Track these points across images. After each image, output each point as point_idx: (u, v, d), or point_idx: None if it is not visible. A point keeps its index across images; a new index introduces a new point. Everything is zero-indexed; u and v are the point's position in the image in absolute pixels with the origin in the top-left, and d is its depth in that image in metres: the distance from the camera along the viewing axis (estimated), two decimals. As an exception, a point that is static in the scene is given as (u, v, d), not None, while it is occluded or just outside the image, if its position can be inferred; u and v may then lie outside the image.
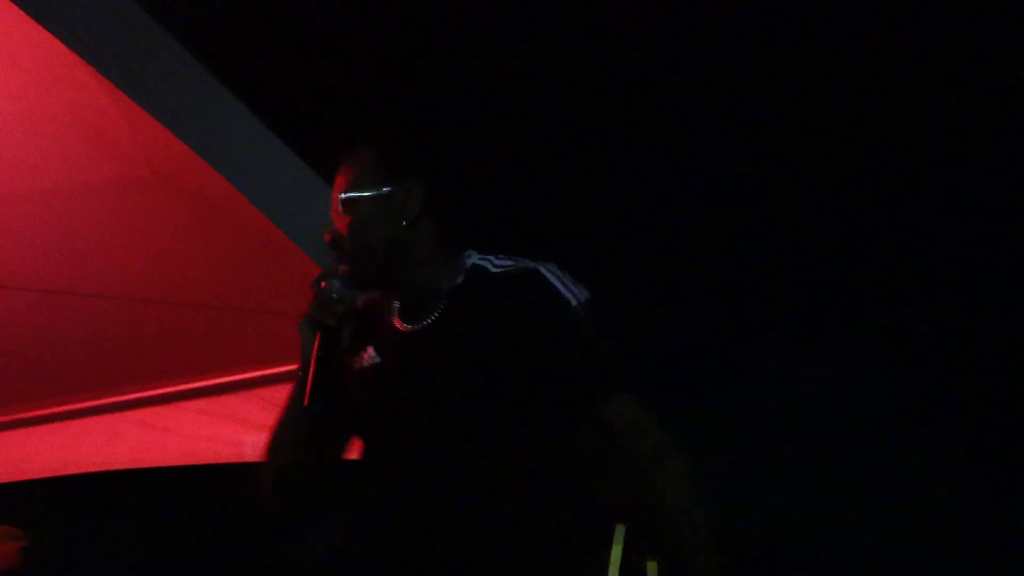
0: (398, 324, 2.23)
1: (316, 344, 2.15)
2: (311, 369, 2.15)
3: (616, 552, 3.83)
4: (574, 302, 2.11)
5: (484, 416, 2.09)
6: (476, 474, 2.09)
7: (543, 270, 2.14)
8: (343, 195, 2.22)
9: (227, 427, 4.38)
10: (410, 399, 2.16)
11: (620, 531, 3.97)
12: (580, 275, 2.16)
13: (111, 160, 3.30)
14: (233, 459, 4.43)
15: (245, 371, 4.29)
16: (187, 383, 4.43)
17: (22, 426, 4.80)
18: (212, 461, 4.49)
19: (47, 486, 4.92)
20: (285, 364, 4.20)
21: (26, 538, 4.16)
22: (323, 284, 2.18)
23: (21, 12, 2.57)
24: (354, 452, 2.32)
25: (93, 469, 4.80)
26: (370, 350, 2.26)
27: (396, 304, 2.25)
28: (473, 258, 2.22)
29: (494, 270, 2.19)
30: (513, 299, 2.12)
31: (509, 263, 2.19)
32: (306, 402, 2.14)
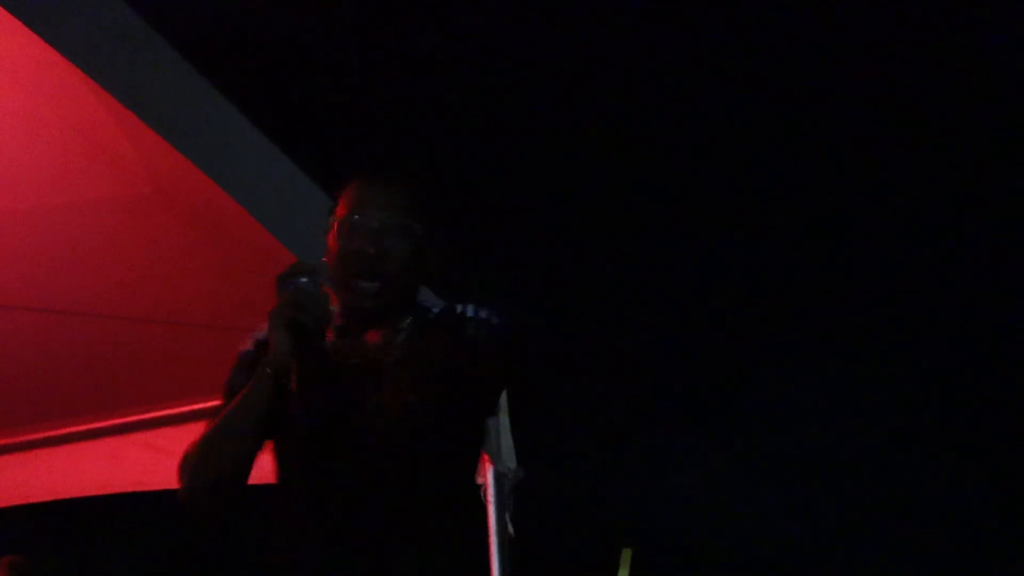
0: (333, 339, 2.21)
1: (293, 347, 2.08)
2: (293, 374, 2.09)
3: None
4: (470, 313, 2.20)
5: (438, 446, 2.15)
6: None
7: (457, 305, 2.24)
8: (412, 221, 2.22)
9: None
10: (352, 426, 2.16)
11: (626, 555, 3.97)
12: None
13: (111, 176, 3.28)
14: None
15: (250, 391, 4.26)
16: (191, 404, 4.40)
17: (22, 449, 4.76)
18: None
19: (47, 510, 4.90)
20: (290, 384, 4.16)
21: (28, 565, 4.12)
22: (302, 280, 2.11)
23: (21, 25, 2.56)
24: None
25: (95, 493, 4.77)
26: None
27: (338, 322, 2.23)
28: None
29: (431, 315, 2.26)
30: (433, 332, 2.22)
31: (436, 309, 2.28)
32: (294, 410, 2.11)
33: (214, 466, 2.16)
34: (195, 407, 4.40)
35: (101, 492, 4.74)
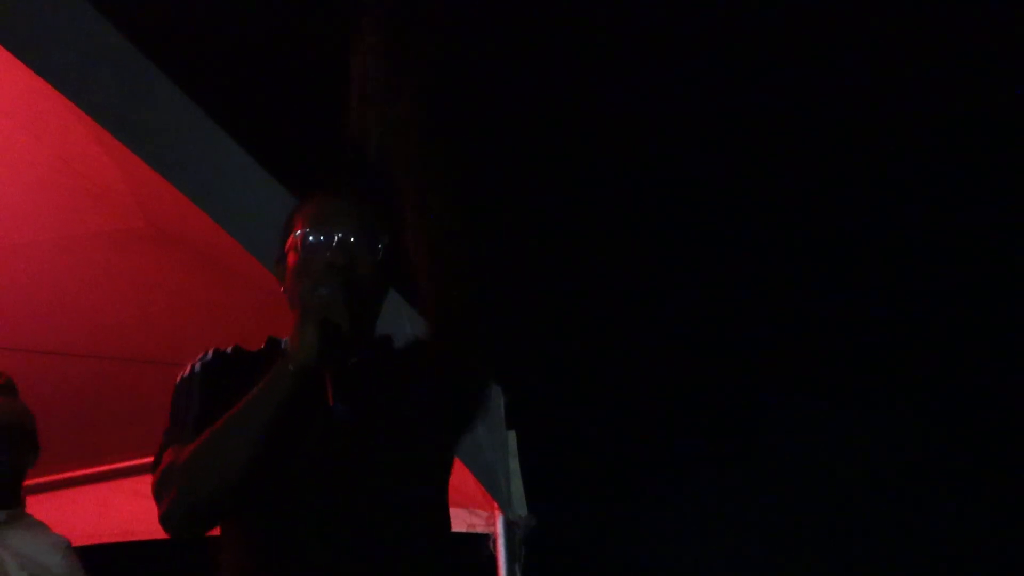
0: None
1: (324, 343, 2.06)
2: (328, 377, 2.11)
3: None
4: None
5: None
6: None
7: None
8: (378, 232, 2.28)
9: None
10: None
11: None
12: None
13: (103, 210, 3.28)
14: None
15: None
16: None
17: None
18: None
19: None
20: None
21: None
22: (329, 289, 2.13)
23: (9, 55, 2.57)
24: None
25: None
26: None
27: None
28: None
29: None
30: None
31: None
32: (331, 401, 2.08)
33: (217, 474, 2.05)
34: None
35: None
